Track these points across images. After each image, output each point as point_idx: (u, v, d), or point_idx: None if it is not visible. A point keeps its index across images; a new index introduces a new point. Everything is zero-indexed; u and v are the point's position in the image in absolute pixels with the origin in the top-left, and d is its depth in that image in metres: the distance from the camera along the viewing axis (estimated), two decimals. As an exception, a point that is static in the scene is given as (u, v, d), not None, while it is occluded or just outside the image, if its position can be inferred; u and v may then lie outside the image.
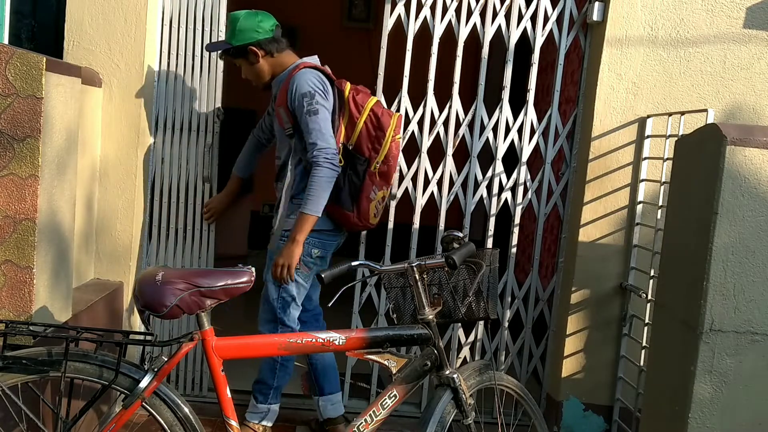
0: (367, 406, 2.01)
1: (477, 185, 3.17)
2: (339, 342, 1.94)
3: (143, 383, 1.82)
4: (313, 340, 1.92)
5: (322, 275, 1.98)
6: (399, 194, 3.15)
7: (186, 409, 1.88)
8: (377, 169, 2.62)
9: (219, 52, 2.79)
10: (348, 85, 2.63)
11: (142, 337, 1.91)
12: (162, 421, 1.86)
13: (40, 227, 2.21)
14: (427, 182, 3.14)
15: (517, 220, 3.20)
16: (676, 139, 2.55)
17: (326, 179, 2.43)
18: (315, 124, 2.45)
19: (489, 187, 3.18)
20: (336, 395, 2.85)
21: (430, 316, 2.03)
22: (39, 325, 1.89)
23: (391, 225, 3.19)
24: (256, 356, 1.94)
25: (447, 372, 2.05)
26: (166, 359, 1.85)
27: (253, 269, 1.93)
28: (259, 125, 2.94)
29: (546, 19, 3.10)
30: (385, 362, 2.01)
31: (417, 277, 2.02)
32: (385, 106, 2.84)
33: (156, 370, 1.84)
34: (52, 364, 1.80)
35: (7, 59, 2.13)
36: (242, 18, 2.57)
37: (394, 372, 2.02)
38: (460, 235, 2.09)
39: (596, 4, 2.99)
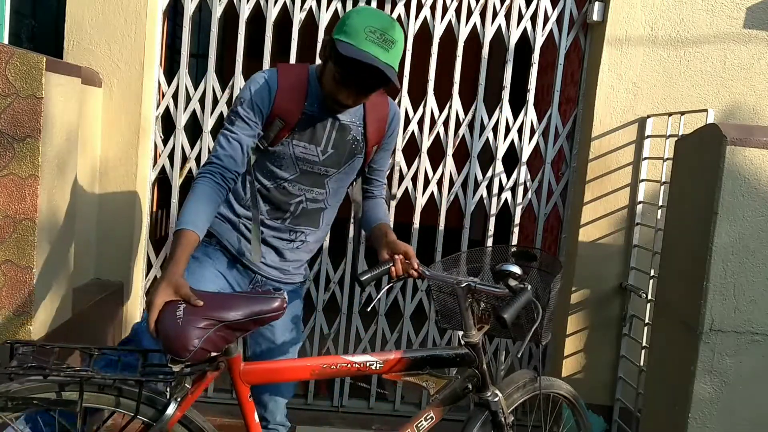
0: (401, 427, 1.87)
1: (477, 185, 3.17)
2: (376, 366, 1.78)
3: (166, 414, 1.67)
4: (348, 365, 1.76)
5: (362, 278, 1.84)
6: (399, 194, 3.15)
7: None
8: None
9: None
10: None
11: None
12: None
13: (40, 227, 2.21)
14: (427, 182, 3.14)
15: (517, 220, 3.20)
16: (676, 139, 2.55)
17: None
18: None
19: (489, 187, 3.18)
20: None
21: (476, 339, 1.86)
22: (49, 346, 1.67)
23: (391, 225, 3.18)
24: (287, 380, 1.79)
25: (488, 394, 1.91)
26: (189, 387, 1.70)
27: (285, 293, 1.70)
28: (229, 161, 1.86)
29: (546, 19, 3.10)
30: (423, 383, 1.85)
31: (464, 298, 1.85)
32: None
33: (179, 399, 1.69)
34: (67, 404, 1.63)
35: (7, 59, 2.13)
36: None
37: (432, 393, 1.87)
38: (517, 272, 1.77)
39: (596, 4, 2.99)
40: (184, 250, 1.69)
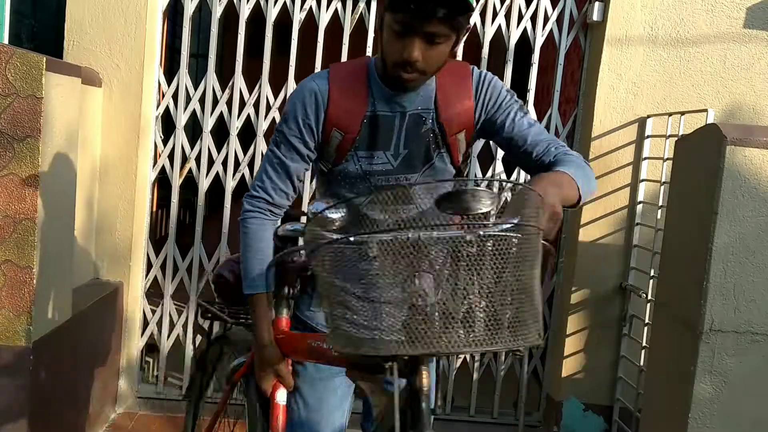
0: None
1: (477, 185, 3.15)
2: None
3: None
4: None
5: None
6: (399, 194, 3.14)
7: None
8: None
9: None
10: None
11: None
12: None
13: (40, 227, 2.21)
14: (427, 182, 3.13)
15: (517, 220, 3.20)
16: (676, 139, 2.55)
17: None
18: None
19: (489, 187, 3.17)
20: None
21: None
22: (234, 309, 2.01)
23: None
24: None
25: None
26: None
27: None
28: (279, 196, 1.59)
29: (546, 19, 3.10)
30: None
31: None
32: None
33: None
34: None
35: (7, 59, 2.13)
36: None
37: None
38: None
39: (596, 4, 2.98)
40: (266, 317, 1.58)
